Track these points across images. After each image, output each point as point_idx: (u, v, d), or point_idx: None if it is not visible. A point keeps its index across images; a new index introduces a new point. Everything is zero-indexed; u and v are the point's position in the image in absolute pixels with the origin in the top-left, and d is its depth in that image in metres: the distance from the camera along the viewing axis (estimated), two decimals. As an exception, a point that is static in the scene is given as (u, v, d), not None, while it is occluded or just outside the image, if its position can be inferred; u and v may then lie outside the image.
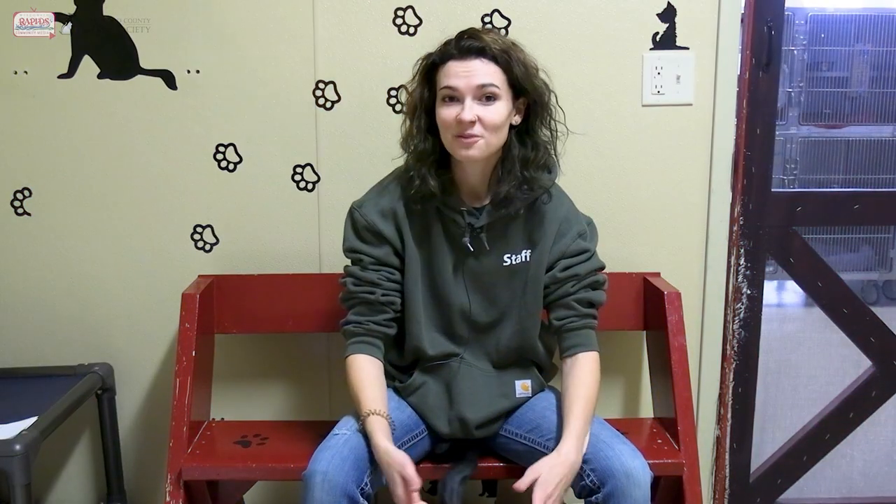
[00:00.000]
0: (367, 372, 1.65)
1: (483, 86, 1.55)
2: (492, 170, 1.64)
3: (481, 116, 1.55)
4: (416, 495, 1.47)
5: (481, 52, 1.55)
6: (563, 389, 1.68)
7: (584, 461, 1.56)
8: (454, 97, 1.56)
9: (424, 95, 1.62)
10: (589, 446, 1.58)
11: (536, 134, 1.63)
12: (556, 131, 1.65)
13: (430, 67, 1.60)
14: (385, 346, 1.71)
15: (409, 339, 1.72)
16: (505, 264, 1.69)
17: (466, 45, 1.55)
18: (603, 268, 1.75)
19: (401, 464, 1.48)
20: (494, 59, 1.56)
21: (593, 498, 1.55)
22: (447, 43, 1.59)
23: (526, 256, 1.69)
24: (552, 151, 1.66)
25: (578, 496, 1.59)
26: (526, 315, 1.71)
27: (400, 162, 1.71)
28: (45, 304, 2.15)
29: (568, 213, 1.72)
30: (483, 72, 1.55)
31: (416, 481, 1.47)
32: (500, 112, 1.57)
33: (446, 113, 1.57)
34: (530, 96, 1.60)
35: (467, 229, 1.65)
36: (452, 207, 1.65)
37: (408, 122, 1.66)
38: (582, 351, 1.68)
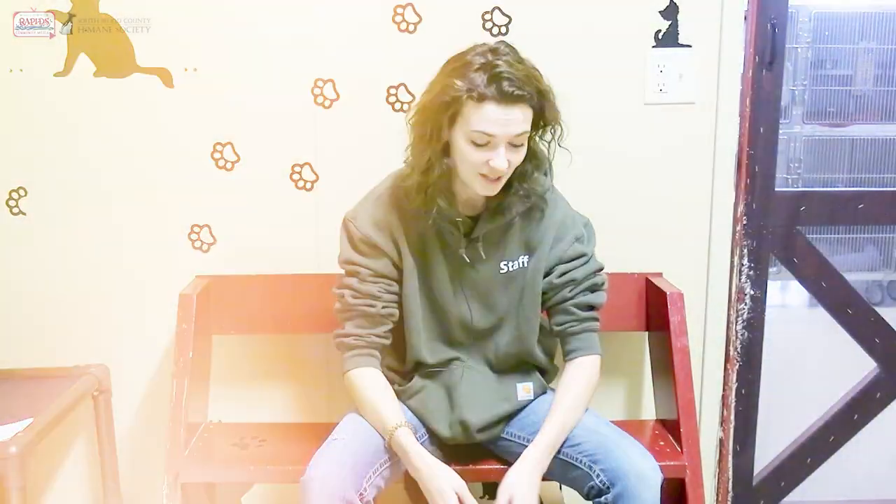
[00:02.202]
0: (380, 385, 1.66)
1: (519, 134, 1.51)
2: None
3: (510, 161, 1.52)
4: None
5: (522, 99, 1.48)
6: (556, 392, 1.68)
7: (594, 462, 1.56)
8: (486, 142, 1.50)
9: (444, 125, 1.53)
10: (598, 447, 1.57)
11: (536, 145, 1.61)
12: (554, 140, 1.62)
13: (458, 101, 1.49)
14: (381, 355, 1.71)
15: (409, 349, 1.71)
16: (501, 271, 1.68)
17: (510, 91, 1.46)
18: (602, 269, 1.73)
19: (460, 484, 1.51)
20: (532, 105, 1.51)
21: (602, 499, 1.54)
22: (477, 74, 1.46)
23: (523, 262, 1.68)
24: (549, 157, 1.65)
25: (587, 497, 1.58)
26: (524, 320, 1.70)
27: (392, 169, 1.69)
28: (40, 304, 2.13)
29: (564, 216, 1.71)
30: (521, 120, 1.50)
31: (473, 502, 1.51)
32: (525, 151, 1.55)
33: (476, 156, 1.51)
34: (549, 124, 1.58)
35: (463, 240, 1.64)
36: (449, 219, 1.63)
37: (419, 145, 1.58)
38: (581, 355, 1.69)
